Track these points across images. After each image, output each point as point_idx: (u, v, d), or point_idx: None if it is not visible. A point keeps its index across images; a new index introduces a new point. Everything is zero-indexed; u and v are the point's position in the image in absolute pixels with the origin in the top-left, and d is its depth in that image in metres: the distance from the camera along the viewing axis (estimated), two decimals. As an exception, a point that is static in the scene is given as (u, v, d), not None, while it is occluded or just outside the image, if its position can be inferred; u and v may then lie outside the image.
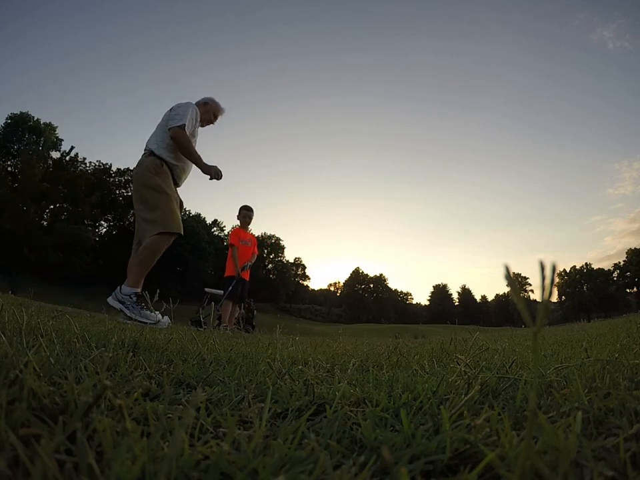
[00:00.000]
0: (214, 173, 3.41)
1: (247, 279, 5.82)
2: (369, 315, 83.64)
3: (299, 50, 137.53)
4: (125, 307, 2.93)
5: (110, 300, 3.01)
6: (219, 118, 3.90)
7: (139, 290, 3.05)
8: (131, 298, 2.98)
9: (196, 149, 3.48)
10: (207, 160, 3.44)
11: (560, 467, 0.40)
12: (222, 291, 5.60)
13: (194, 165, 3.51)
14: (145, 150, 3.41)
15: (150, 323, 2.82)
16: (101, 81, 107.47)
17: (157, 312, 3.24)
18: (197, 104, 3.63)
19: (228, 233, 68.42)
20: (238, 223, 5.89)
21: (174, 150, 3.35)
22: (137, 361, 0.92)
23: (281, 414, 0.68)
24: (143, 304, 2.97)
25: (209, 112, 3.73)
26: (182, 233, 3.25)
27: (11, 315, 1.41)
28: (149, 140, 3.43)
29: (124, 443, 0.39)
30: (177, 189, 3.51)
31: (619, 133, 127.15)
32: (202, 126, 3.72)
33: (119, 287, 3.07)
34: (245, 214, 5.74)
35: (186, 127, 3.29)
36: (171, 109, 3.43)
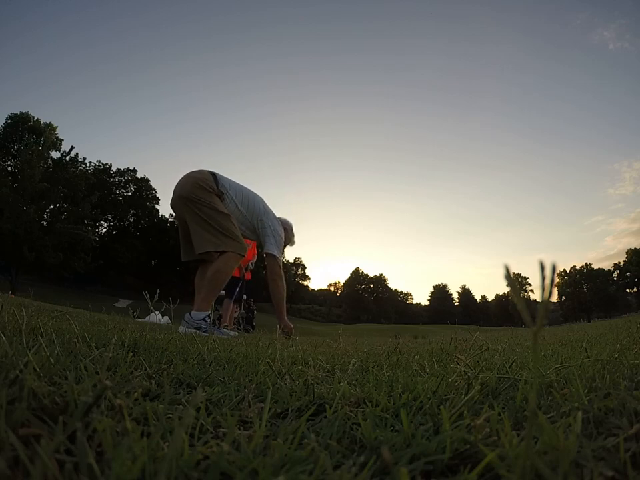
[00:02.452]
0: (289, 331, 3.34)
1: (249, 278, 5.83)
2: (368, 315, 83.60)
3: (299, 50, 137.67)
4: (204, 332, 2.77)
5: (182, 329, 2.82)
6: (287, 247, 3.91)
7: (209, 312, 2.94)
8: (205, 321, 2.93)
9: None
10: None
11: (560, 467, 0.40)
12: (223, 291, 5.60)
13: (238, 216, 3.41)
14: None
15: (231, 336, 2.79)
16: (100, 80, 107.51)
17: (157, 312, 3.22)
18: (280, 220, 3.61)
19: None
20: None
21: (245, 225, 3.33)
22: (137, 361, 0.92)
23: (281, 414, 0.68)
24: (217, 321, 2.89)
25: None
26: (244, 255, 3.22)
27: (11, 315, 1.40)
28: (226, 181, 3.25)
29: (124, 443, 0.39)
30: None
31: (619, 133, 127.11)
32: None
33: (188, 314, 2.96)
34: None
35: (279, 260, 3.36)
36: (267, 214, 3.37)
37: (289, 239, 3.83)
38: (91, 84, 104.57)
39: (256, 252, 5.95)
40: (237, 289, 5.33)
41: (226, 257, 3.02)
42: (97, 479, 0.37)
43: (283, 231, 3.53)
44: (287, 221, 3.81)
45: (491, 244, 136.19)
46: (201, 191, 3.03)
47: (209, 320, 2.94)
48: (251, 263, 5.78)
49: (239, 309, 6.00)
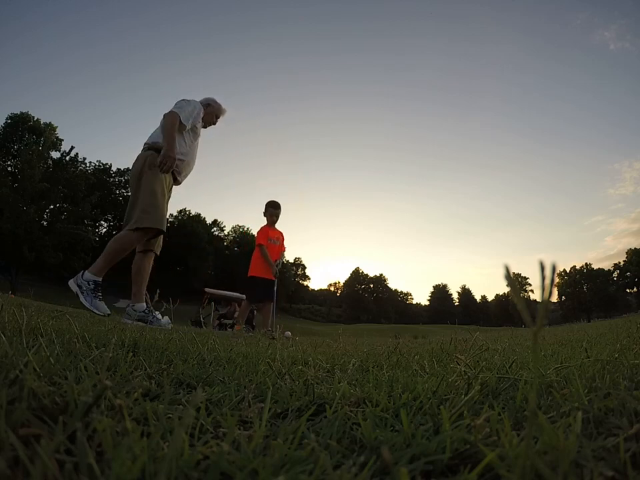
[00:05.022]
0: (166, 161, 3.16)
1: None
2: (369, 315, 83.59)
3: (299, 50, 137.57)
4: (81, 292, 2.97)
5: (71, 282, 3.03)
6: (221, 118, 3.95)
7: (99, 279, 3.05)
8: (88, 285, 3.00)
9: (198, 149, 3.59)
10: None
11: (560, 467, 0.40)
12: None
13: (194, 163, 3.60)
14: (144, 145, 3.44)
15: (97, 314, 2.88)
16: (100, 80, 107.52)
17: (158, 312, 3.24)
18: (200, 104, 3.67)
19: (228, 232, 68.51)
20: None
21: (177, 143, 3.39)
22: (137, 361, 0.92)
23: (281, 414, 0.68)
24: (100, 294, 3.02)
25: (211, 114, 3.78)
26: (162, 229, 3.18)
27: (11, 315, 1.40)
28: (149, 137, 3.46)
29: (124, 443, 0.39)
30: (177, 185, 3.54)
31: (619, 133, 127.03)
32: (204, 127, 3.75)
33: (82, 271, 3.10)
34: (272, 212, 5.59)
35: (182, 118, 3.30)
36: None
37: (218, 110, 3.85)
38: (91, 84, 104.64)
39: (284, 247, 5.88)
40: (275, 290, 5.32)
41: (129, 231, 3.09)
42: (97, 479, 0.37)
43: (199, 105, 3.56)
44: (208, 97, 3.84)
45: (491, 244, 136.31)
46: (139, 169, 3.24)
47: (92, 285, 3.03)
48: (282, 254, 5.71)
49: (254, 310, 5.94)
